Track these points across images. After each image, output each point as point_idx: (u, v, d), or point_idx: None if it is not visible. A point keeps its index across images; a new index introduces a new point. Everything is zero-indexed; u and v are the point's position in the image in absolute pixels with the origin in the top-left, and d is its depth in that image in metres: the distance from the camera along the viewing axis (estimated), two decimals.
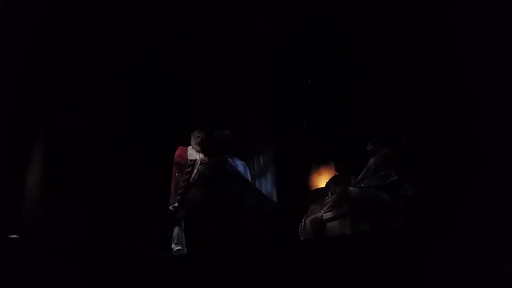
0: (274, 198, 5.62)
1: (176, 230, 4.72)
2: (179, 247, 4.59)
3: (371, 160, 3.82)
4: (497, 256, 1.76)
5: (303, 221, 3.94)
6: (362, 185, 3.69)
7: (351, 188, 3.72)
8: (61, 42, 5.33)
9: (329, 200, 3.92)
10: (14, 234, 4.66)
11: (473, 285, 1.75)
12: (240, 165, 3.70)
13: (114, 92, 5.57)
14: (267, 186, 5.84)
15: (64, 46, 5.34)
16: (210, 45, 5.78)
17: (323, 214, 3.79)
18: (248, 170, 3.80)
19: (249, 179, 3.74)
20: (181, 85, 5.96)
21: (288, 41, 5.87)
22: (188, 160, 4.85)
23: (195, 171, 4.74)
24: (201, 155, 4.92)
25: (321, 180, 5.80)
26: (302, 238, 3.84)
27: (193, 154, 4.94)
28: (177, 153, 4.94)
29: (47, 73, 5.36)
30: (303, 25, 5.68)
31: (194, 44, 5.80)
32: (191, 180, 4.69)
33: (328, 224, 3.76)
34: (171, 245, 4.70)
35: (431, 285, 1.82)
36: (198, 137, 4.98)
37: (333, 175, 5.57)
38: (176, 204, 4.67)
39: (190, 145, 5.01)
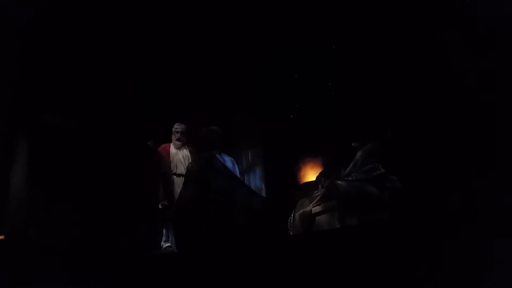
0: (263, 193, 5.62)
1: (165, 227, 4.68)
2: (169, 244, 4.57)
3: (358, 154, 3.84)
4: (485, 247, 1.79)
5: (292, 215, 3.96)
6: (350, 178, 3.72)
7: (339, 182, 3.74)
8: (46, 42, 5.26)
9: (318, 194, 3.94)
10: (0, 235, 4.60)
11: (461, 275, 1.78)
12: (228, 161, 3.69)
13: (98, 89, 5.51)
14: (255, 181, 5.84)
15: (49, 46, 5.27)
16: (195, 40, 5.75)
17: (312, 208, 3.81)
18: (236, 166, 3.80)
19: (238, 174, 3.73)
20: (167, 80, 5.91)
21: (273, 36, 5.86)
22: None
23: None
24: (183, 151, 4.82)
25: (310, 174, 5.82)
26: (291, 232, 3.85)
27: (173, 150, 4.82)
28: (159, 149, 4.84)
29: (31, 71, 5.29)
30: (288, 20, 5.68)
31: (180, 39, 5.76)
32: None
33: (317, 218, 3.78)
34: (160, 243, 4.68)
35: (420, 277, 1.85)
36: (178, 132, 4.80)
37: (323, 169, 5.58)
38: (166, 203, 4.62)
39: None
